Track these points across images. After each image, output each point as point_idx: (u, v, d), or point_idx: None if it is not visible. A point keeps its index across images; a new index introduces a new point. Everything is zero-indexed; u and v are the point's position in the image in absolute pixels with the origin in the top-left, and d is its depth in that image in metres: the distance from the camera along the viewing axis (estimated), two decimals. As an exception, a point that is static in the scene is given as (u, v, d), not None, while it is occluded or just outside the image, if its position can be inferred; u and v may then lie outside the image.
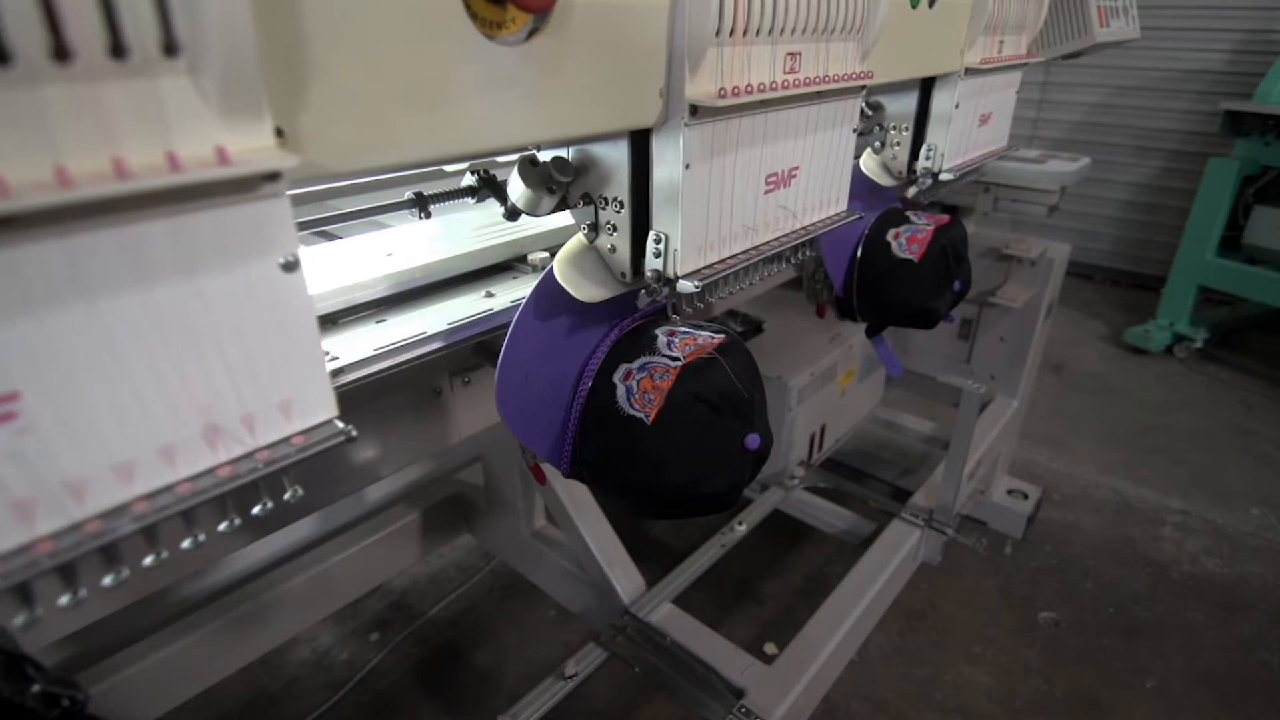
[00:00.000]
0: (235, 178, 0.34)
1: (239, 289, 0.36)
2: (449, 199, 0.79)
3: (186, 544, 0.40)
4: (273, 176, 0.36)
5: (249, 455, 0.39)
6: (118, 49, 0.30)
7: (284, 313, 0.39)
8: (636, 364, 0.66)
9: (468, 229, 0.94)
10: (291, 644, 1.84)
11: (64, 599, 0.35)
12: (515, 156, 0.66)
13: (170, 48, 0.31)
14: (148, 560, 0.38)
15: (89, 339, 0.32)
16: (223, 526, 0.41)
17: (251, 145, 0.35)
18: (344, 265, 0.79)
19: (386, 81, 0.42)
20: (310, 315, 0.40)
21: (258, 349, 0.38)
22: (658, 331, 0.69)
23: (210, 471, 0.37)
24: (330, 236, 0.93)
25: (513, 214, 0.67)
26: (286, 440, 0.40)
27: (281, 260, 0.38)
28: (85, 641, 1.29)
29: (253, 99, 0.34)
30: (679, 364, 0.64)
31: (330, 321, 0.74)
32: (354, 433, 0.42)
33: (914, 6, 0.84)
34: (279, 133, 0.37)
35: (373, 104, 0.42)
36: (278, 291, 0.38)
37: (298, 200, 0.88)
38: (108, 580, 0.36)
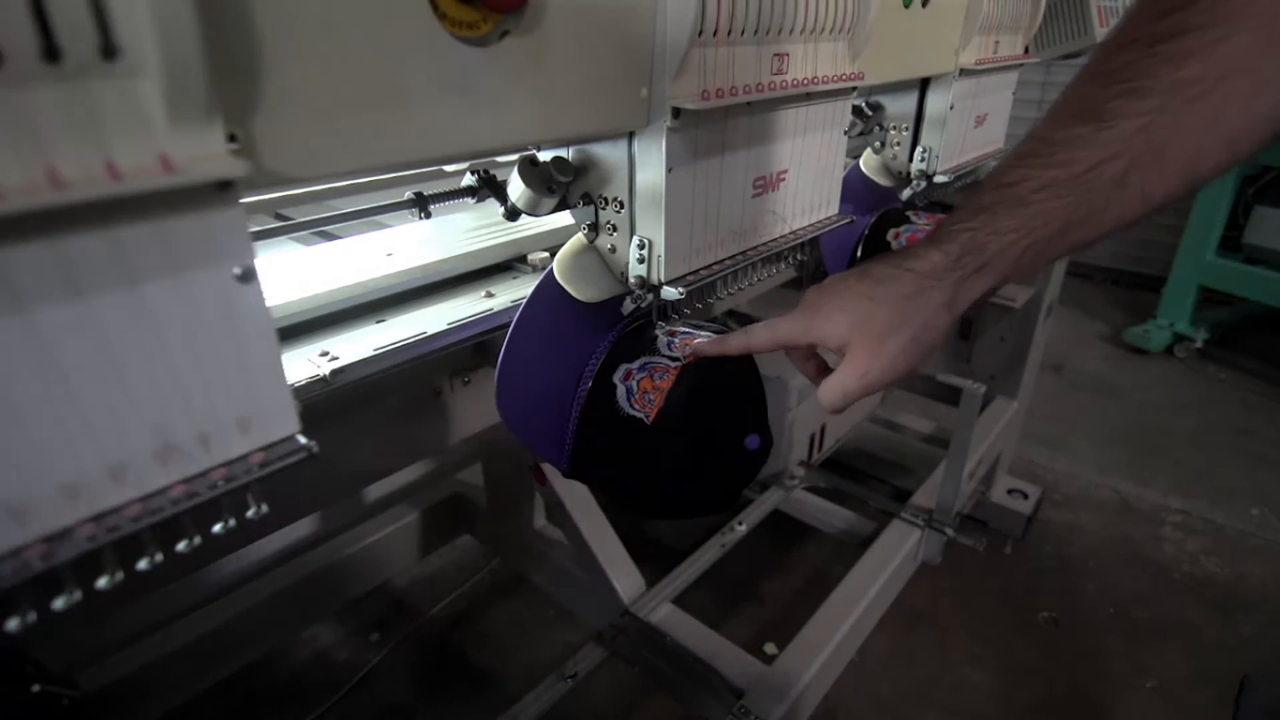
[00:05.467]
0: (180, 187, 0.32)
1: (189, 303, 0.35)
2: (449, 199, 0.79)
3: (143, 564, 0.38)
4: (224, 185, 0.34)
5: (204, 474, 0.37)
6: (51, 52, 0.28)
7: (239, 326, 0.37)
8: (636, 364, 0.66)
9: (467, 229, 0.94)
10: (291, 644, 1.84)
11: (13, 622, 0.34)
12: (515, 156, 0.65)
13: (109, 50, 0.30)
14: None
15: (25, 356, 0.30)
16: (181, 546, 0.39)
17: (200, 152, 0.33)
18: (344, 265, 0.79)
19: (348, 84, 0.41)
20: (269, 328, 0.39)
21: (212, 364, 0.37)
22: (658, 331, 0.69)
23: (163, 492, 0.36)
24: (330, 236, 0.93)
25: (513, 214, 0.67)
26: (245, 458, 0.39)
27: (236, 271, 0.36)
28: (85, 641, 1.29)
29: (201, 104, 0.33)
30: (679, 364, 0.64)
31: (330, 321, 0.75)
32: (316, 449, 0.41)
33: (906, 6, 0.84)
34: (232, 138, 0.35)
35: (333, 107, 0.40)
36: (232, 304, 0.36)
37: (296, 200, 0.88)
38: (59, 603, 0.35)
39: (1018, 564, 2.13)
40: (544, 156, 0.65)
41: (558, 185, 0.65)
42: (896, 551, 1.60)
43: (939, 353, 2.21)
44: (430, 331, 0.73)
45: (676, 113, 0.59)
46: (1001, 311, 2.03)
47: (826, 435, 1.98)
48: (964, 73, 1.04)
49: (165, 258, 0.34)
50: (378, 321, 0.75)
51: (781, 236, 0.77)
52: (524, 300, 0.69)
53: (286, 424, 0.41)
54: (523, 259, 0.91)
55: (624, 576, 1.43)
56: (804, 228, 0.80)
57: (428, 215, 0.80)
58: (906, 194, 1.15)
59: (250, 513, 0.42)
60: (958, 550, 2.11)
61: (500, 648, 1.86)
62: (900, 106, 1.11)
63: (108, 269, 0.32)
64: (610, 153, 0.64)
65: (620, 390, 0.66)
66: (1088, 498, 2.42)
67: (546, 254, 0.91)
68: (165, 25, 0.31)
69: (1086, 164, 0.49)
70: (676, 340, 0.68)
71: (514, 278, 0.89)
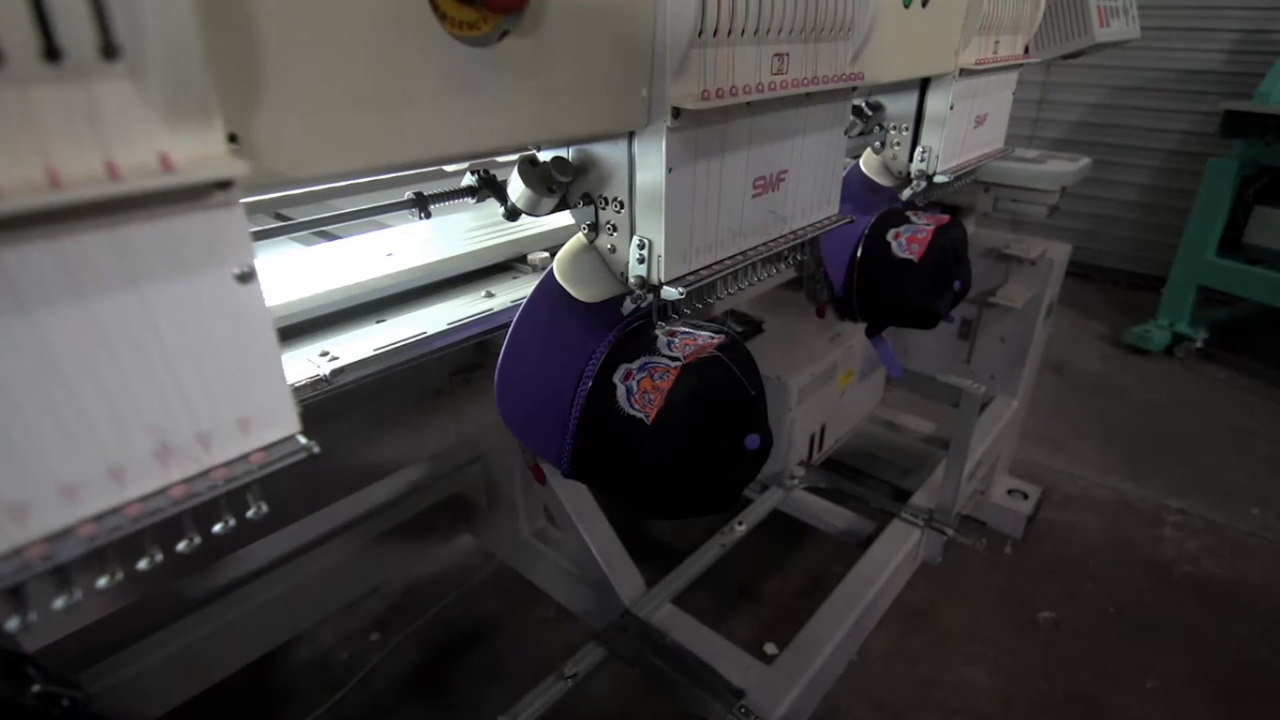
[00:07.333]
0: (181, 186, 0.32)
1: (189, 302, 0.35)
2: (449, 199, 0.79)
3: (143, 564, 0.38)
4: (224, 185, 0.34)
5: (205, 474, 0.37)
6: (51, 52, 0.28)
7: (239, 326, 0.37)
8: (637, 364, 0.66)
9: (467, 229, 0.94)
10: (291, 644, 1.84)
11: (13, 622, 0.34)
12: (515, 156, 0.65)
13: (109, 50, 0.30)
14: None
15: (25, 355, 0.30)
16: (181, 545, 0.39)
17: (200, 152, 0.33)
18: (344, 265, 0.79)
19: (348, 84, 0.41)
20: (269, 328, 0.39)
21: (212, 364, 0.37)
22: (658, 332, 0.69)
23: (163, 492, 0.36)
24: (330, 236, 0.93)
25: (513, 214, 0.67)
26: (245, 458, 0.39)
27: (236, 271, 0.36)
28: (85, 641, 1.29)
29: (201, 104, 0.33)
30: (679, 364, 0.64)
31: (330, 321, 0.75)
32: (316, 449, 0.41)
33: (906, 6, 0.84)
34: (232, 138, 0.35)
35: (333, 107, 0.40)
36: (232, 304, 0.36)
37: (296, 200, 0.88)
38: (59, 603, 0.35)
39: (1018, 564, 2.13)
40: (544, 156, 0.65)
41: (558, 185, 0.65)
42: (896, 551, 1.60)
43: (939, 353, 2.22)
44: (430, 331, 0.73)
45: (676, 113, 0.59)
46: (1001, 311, 2.03)
47: (826, 435, 1.98)
48: (964, 73, 1.04)
49: (165, 258, 0.34)
50: (378, 321, 0.75)
51: (781, 236, 0.77)
52: (524, 300, 0.69)
53: (286, 424, 0.41)
54: (523, 259, 0.91)
55: (624, 576, 1.43)
56: (804, 228, 0.80)
57: (428, 215, 0.80)
58: (906, 194, 1.15)
59: (250, 513, 0.42)
60: (958, 550, 2.11)
61: (500, 648, 1.86)
62: (900, 106, 1.11)
63: (108, 269, 0.32)
64: (610, 153, 0.64)
65: (620, 390, 0.66)
66: (1088, 498, 2.42)
67: (546, 254, 0.91)
68: (165, 25, 0.31)
69: None
70: (676, 340, 0.68)
71: (514, 278, 0.89)
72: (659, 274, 0.64)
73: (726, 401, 0.65)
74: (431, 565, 2.11)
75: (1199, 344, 3.29)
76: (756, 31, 0.62)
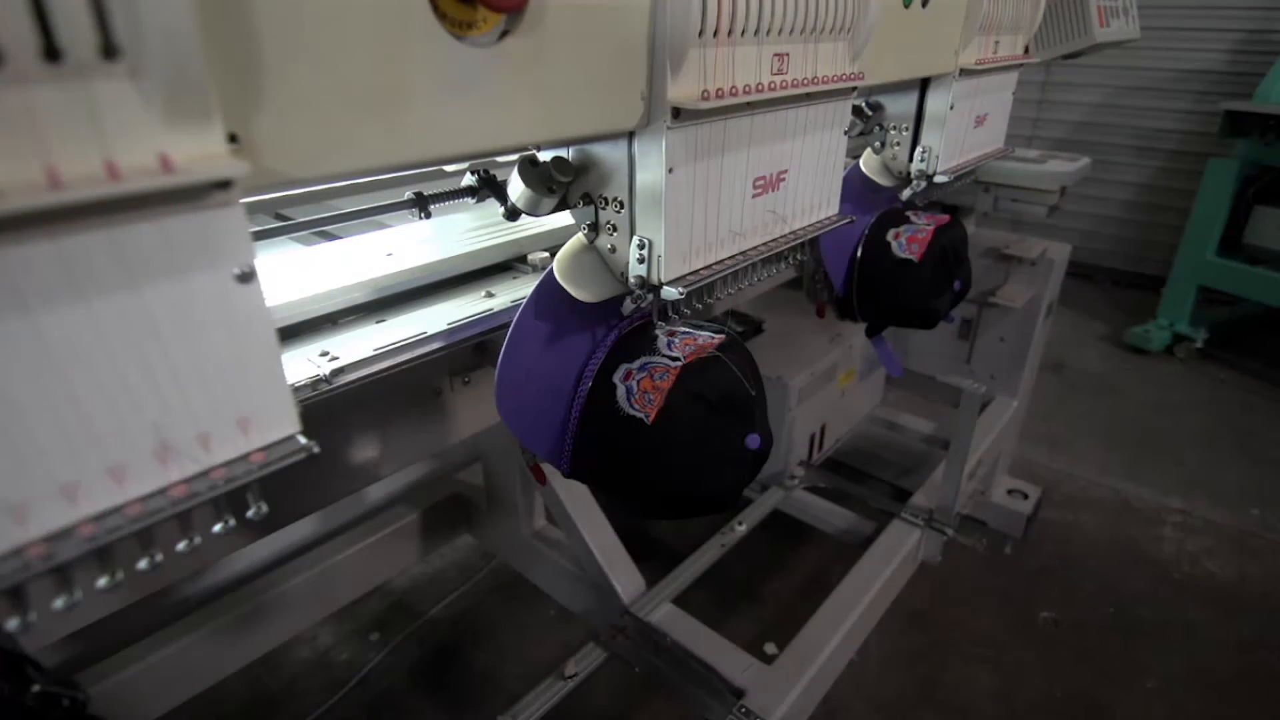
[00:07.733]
0: (181, 186, 0.32)
1: (189, 302, 0.35)
2: (449, 199, 0.79)
3: (143, 564, 0.39)
4: (224, 185, 0.34)
5: (205, 474, 0.37)
6: (51, 51, 0.28)
7: (239, 326, 0.37)
8: (636, 364, 0.66)
9: (467, 229, 0.94)
10: (291, 644, 1.84)
11: (14, 622, 0.34)
12: (515, 156, 0.65)
13: (109, 50, 0.30)
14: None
15: (23, 355, 0.30)
16: (181, 546, 0.39)
17: (200, 152, 0.33)
18: (344, 265, 0.79)
19: (348, 84, 0.41)
20: (269, 328, 0.39)
21: (212, 364, 0.37)
22: (658, 331, 0.69)
23: (162, 491, 0.36)
24: (330, 236, 0.93)
25: (513, 214, 0.67)
26: (245, 458, 0.39)
27: (235, 271, 0.36)
28: (85, 641, 1.29)
29: (201, 104, 0.33)
30: (679, 364, 0.64)
31: (330, 321, 0.75)
32: (316, 449, 0.41)
33: (906, 6, 0.84)
34: (232, 138, 0.35)
35: (334, 107, 0.40)
36: (232, 304, 0.36)
37: (296, 200, 0.88)
38: (59, 603, 0.35)
39: (1018, 564, 2.13)
40: (544, 156, 0.65)
41: (558, 185, 0.65)
42: (896, 551, 1.60)
43: (939, 353, 2.22)
44: (430, 331, 0.73)
45: (676, 113, 0.59)
46: (1001, 311, 2.03)
47: (826, 435, 1.98)
48: (964, 73, 1.04)
49: (165, 258, 0.34)
50: (378, 321, 0.75)
51: (781, 236, 0.77)
52: (524, 300, 0.69)
53: (286, 424, 0.41)
54: (523, 259, 0.91)
55: (624, 576, 1.43)
56: (804, 228, 0.79)
57: (428, 215, 0.80)
58: (906, 194, 1.15)
59: (250, 513, 0.42)
60: (958, 550, 2.12)
61: (500, 648, 1.86)
62: (900, 106, 1.11)
63: (108, 269, 0.32)
64: (610, 153, 0.64)
65: (620, 390, 0.66)
66: (1088, 498, 2.42)
67: (546, 254, 0.91)
68: (165, 25, 0.31)
69: None
70: (676, 340, 0.68)
71: (514, 278, 0.89)
72: (659, 274, 0.64)
73: (726, 401, 0.65)
74: (431, 565, 2.11)
75: (1199, 344, 3.29)
76: (756, 31, 0.62)
